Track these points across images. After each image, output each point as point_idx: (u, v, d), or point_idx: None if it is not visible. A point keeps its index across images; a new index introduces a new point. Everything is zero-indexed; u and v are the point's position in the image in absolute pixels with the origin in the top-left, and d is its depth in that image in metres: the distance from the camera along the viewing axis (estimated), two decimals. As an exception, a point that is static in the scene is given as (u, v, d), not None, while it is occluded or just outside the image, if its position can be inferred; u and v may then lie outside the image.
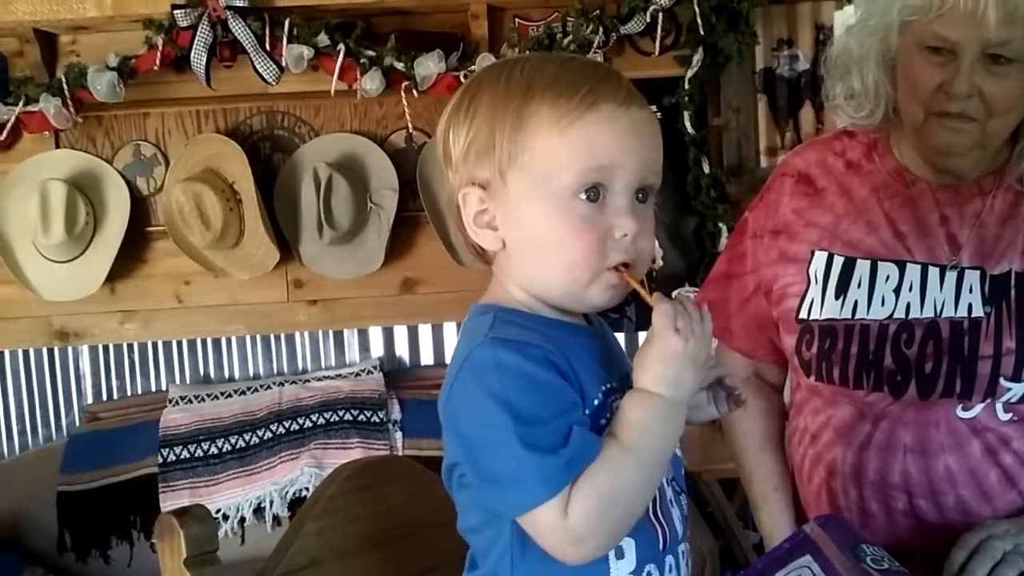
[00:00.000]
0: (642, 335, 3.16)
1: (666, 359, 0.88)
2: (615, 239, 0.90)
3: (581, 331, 0.97)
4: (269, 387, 3.10)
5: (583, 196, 0.89)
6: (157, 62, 2.87)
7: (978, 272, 1.30)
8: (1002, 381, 1.26)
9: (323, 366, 3.26)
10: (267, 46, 2.85)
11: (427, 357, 3.28)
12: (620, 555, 0.90)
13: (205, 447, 2.95)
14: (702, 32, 2.97)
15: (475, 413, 0.88)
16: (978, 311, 1.29)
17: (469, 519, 0.95)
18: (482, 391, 0.87)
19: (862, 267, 1.35)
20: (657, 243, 3.08)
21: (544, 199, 0.90)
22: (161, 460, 2.93)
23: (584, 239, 0.90)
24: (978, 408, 1.28)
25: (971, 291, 1.29)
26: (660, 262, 3.11)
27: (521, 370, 0.86)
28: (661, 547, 0.93)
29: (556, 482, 0.84)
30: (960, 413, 1.28)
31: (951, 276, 1.30)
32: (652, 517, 0.93)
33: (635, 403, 0.88)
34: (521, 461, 0.84)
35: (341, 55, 2.86)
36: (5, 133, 2.93)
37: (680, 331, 0.87)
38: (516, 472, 0.85)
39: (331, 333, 3.26)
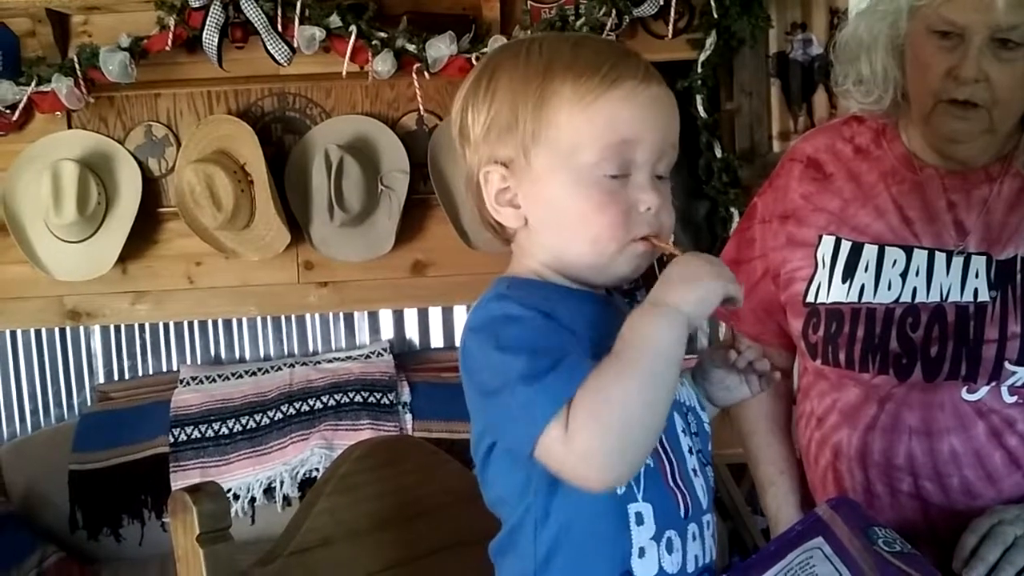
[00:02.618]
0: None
1: (680, 274, 0.89)
2: (639, 212, 0.92)
3: (597, 299, 0.97)
4: (280, 368, 3.11)
5: (605, 171, 0.91)
6: (169, 43, 2.86)
7: (984, 257, 1.30)
8: (1007, 365, 1.27)
9: (333, 348, 3.27)
10: (279, 27, 2.84)
11: (437, 340, 3.29)
12: (640, 521, 0.91)
13: (216, 427, 2.96)
14: (715, 15, 2.96)
15: (482, 360, 0.89)
16: (984, 296, 1.29)
17: (496, 491, 0.95)
18: (486, 339, 0.89)
19: (869, 252, 1.35)
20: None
21: (568, 175, 0.92)
22: (172, 440, 2.94)
23: (608, 214, 0.91)
24: (983, 391, 1.28)
25: (977, 276, 1.30)
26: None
27: (522, 316, 0.88)
28: (683, 514, 0.94)
29: (557, 396, 0.84)
30: (965, 395, 1.28)
31: (957, 261, 1.31)
32: (670, 483, 0.93)
33: (633, 315, 0.89)
34: (523, 395, 0.85)
35: (353, 37, 2.86)
36: (17, 113, 2.93)
37: (703, 259, 0.89)
38: (522, 404, 0.85)
39: (341, 315, 3.27)
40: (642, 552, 0.91)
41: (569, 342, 0.88)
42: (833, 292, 1.36)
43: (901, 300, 1.32)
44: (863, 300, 1.34)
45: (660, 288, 0.89)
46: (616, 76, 0.91)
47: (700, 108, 3.03)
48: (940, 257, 1.31)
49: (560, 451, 0.84)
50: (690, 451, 0.98)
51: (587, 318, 0.93)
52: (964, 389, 1.28)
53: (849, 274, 1.35)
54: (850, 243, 1.36)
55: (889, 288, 1.32)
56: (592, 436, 0.83)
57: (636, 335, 0.87)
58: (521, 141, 0.93)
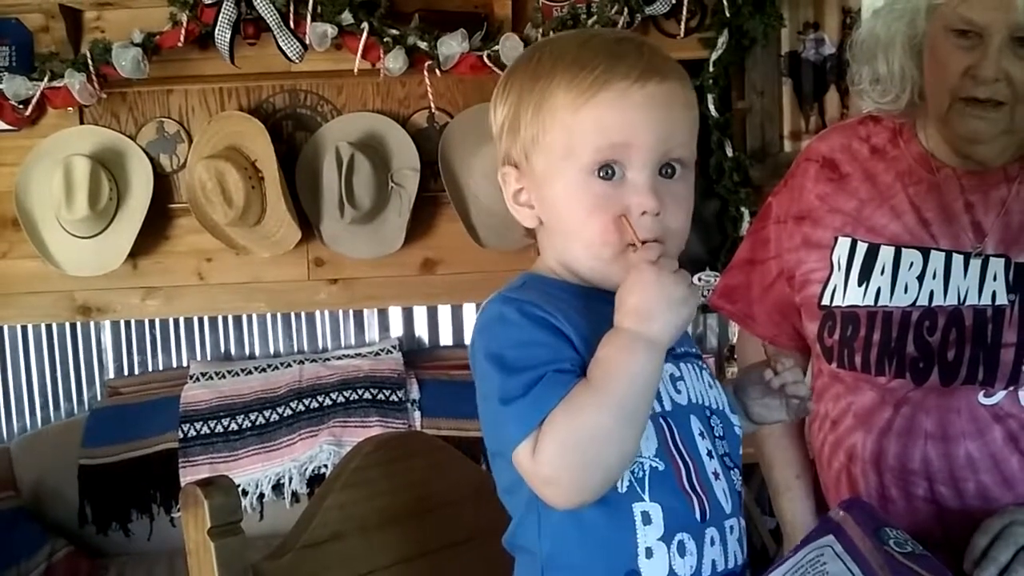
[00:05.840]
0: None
1: (637, 291, 0.87)
2: (637, 217, 0.90)
3: (612, 300, 0.96)
4: (289, 365, 3.12)
5: (598, 175, 0.90)
6: (181, 39, 2.88)
7: (1003, 260, 1.29)
8: None
9: (343, 345, 3.28)
10: (291, 24, 2.85)
11: (446, 337, 3.30)
12: (647, 520, 0.90)
13: (225, 423, 2.97)
14: (727, 14, 2.96)
15: (477, 365, 0.92)
16: (1002, 299, 1.28)
17: (503, 481, 0.96)
18: (481, 343, 0.91)
19: (885, 253, 1.34)
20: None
21: (564, 179, 0.92)
22: (181, 435, 2.95)
23: (600, 219, 0.91)
24: (1000, 395, 1.27)
25: (995, 279, 1.28)
26: (681, 246, 3.10)
27: (515, 323, 0.89)
28: (699, 518, 0.92)
29: (526, 421, 0.86)
30: (982, 399, 1.27)
31: (975, 263, 1.29)
32: (685, 486, 0.92)
33: (605, 339, 0.88)
34: (499, 412, 0.88)
35: (364, 34, 2.86)
36: (30, 108, 2.94)
37: (656, 264, 0.87)
38: (500, 419, 0.88)
39: (351, 312, 3.28)
40: (649, 552, 0.89)
41: (557, 352, 0.88)
42: (849, 295, 1.35)
43: (918, 303, 1.31)
44: (879, 303, 1.33)
45: (636, 315, 0.87)
46: (606, 78, 0.89)
47: (711, 107, 3.03)
48: (957, 259, 1.30)
49: (528, 469, 0.87)
50: (710, 454, 0.95)
51: (595, 319, 0.91)
52: (981, 393, 1.27)
53: (865, 277, 1.34)
54: (866, 245, 1.35)
55: (906, 291, 1.31)
56: (558, 466, 0.85)
57: (613, 367, 0.86)
58: (523, 145, 0.94)
